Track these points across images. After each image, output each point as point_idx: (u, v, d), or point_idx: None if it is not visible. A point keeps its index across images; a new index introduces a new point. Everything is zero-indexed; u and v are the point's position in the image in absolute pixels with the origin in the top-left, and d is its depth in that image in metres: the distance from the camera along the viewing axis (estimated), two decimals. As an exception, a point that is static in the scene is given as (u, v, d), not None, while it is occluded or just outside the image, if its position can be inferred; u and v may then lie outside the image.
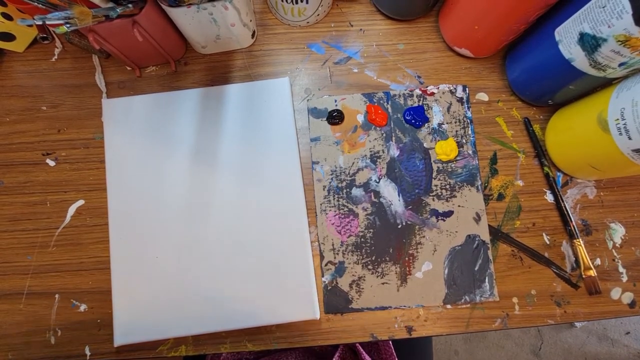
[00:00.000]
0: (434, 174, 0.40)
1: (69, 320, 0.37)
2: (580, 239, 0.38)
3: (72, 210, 0.39)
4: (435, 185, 0.39)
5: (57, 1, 0.29)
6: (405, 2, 0.40)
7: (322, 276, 0.38)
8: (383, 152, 0.40)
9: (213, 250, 0.38)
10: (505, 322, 0.37)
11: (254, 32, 0.42)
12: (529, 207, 0.39)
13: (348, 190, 0.39)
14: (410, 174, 0.40)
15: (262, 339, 0.37)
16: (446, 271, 0.38)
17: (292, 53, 0.43)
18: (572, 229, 0.38)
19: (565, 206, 0.39)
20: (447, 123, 0.40)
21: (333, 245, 0.38)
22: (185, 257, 0.38)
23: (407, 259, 0.38)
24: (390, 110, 0.41)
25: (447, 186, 0.39)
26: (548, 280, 0.38)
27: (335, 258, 0.38)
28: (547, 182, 0.40)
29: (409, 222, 0.39)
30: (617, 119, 0.30)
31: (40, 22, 0.28)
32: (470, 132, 0.40)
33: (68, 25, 0.29)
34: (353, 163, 0.40)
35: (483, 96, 0.42)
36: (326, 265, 0.38)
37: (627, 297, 0.38)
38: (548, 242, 0.39)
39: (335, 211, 0.39)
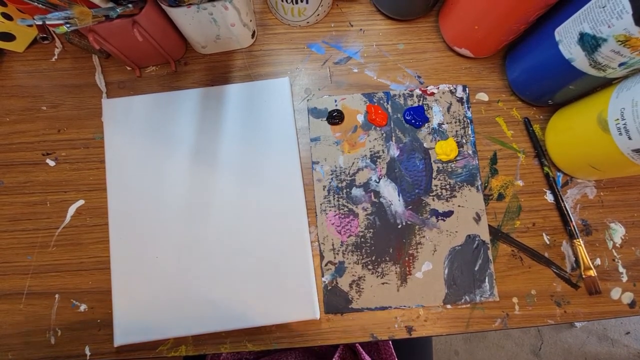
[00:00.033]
0: (434, 174, 0.40)
1: (69, 320, 0.37)
2: (580, 239, 0.38)
3: (72, 210, 0.39)
4: (435, 185, 0.39)
5: (57, 1, 0.29)
6: (405, 2, 0.40)
7: (322, 276, 0.38)
8: (383, 152, 0.40)
9: (213, 250, 0.38)
10: (505, 322, 0.37)
11: (254, 32, 0.42)
12: (529, 207, 0.40)
13: (348, 190, 0.39)
14: (410, 174, 0.40)
15: (262, 339, 0.37)
16: (446, 271, 0.38)
17: (292, 53, 0.43)
18: (572, 229, 0.38)
19: (565, 206, 0.39)
20: (447, 123, 0.40)
21: (333, 245, 0.38)
22: (185, 257, 0.38)
23: (407, 259, 0.38)
24: (390, 110, 0.41)
25: (447, 186, 0.39)
26: (548, 280, 0.38)
27: (335, 258, 0.38)
28: (547, 182, 0.40)
29: (409, 222, 0.39)
30: (617, 119, 0.30)
31: (40, 22, 0.28)
32: (470, 132, 0.40)
33: (68, 25, 0.29)
34: (353, 163, 0.40)
35: (483, 96, 0.42)
36: (326, 265, 0.38)
37: (627, 297, 0.38)
38: (548, 242, 0.39)
39: (335, 211, 0.39)
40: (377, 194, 0.39)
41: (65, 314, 0.37)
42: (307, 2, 0.38)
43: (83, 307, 0.38)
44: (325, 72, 0.42)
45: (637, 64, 0.29)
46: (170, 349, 0.37)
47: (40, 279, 0.38)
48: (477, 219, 0.39)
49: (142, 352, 0.37)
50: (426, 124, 0.40)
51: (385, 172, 0.40)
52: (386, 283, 0.38)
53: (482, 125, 0.41)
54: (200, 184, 0.39)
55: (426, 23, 0.43)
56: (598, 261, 0.39)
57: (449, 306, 0.38)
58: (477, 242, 0.38)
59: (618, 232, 0.39)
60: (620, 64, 0.29)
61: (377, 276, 0.38)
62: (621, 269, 0.38)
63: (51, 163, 0.40)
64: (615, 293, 0.38)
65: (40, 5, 0.30)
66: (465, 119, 0.41)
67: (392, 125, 0.40)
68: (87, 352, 0.37)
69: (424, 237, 0.38)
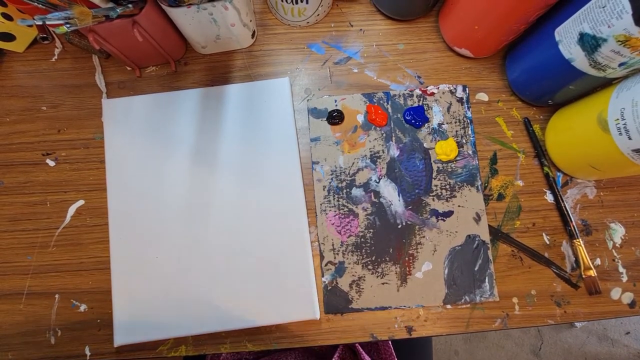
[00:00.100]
0: (434, 174, 0.40)
1: (69, 320, 0.37)
2: (580, 239, 0.38)
3: (72, 210, 0.39)
4: (435, 185, 0.39)
5: (57, 1, 0.29)
6: (405, 2, 0.40)
7: (322, 276, 0.38)
8: (383, 152, 0.40)
9: (213, 250, 0.38)
10: (505, 322, 0.37)
11: (254, 32, 0.42)
12: (529, 207, 0.39)
13: (348, 190, 0.39)
14: (410, 174, 0.40)
15: (262, 339, 0.37)
16: (446, 271, 0.38)
17: (292, 53, 0.43)
18: (572, 229, 0.38)
19: (565, 206, 0.39)
20: (447, 123, 0.40)
21: (333, 245, 0.38)
22: (185, 257, 0.38)
23: (407, 259, 0.38)
24: (390, 110, 0.41)
25: (447, 186, 0.39)
26: (548, 280, 0.38)
27: (335, 258, 0.38)
28: (547, 182, 0.40)
29: (409, 222, 0.39)
30: (617, 119, 0.30)
31: (40, 22, 0.28)
32: (470, 132, 0.40)
33: (68, 26, 0.29)
34: (353, 163, 0.40)
35: (483, 96, 0.42)
36: (326, 265, 0.38)
37: (627, 297, 0.38)
38: (548, 242, 0.39)
39: (335, 211, 0.39)
40: (377, 194, 0.39)
41: (65, 314, 0.37)
42: (307, 2, 0.38)
43: (83, 307, 0.38)
44: (325, 72, 0.42)
45: (637, 64, 0.29)
46: (170, 349, 0.37)
47: (40, 279, 0.38)
48: (477, 219, 0.39)
49: (142, 352, 0.37)
50: (426, 124, 0.40)
51: (385, 172, 0.40)
52: (386, 283, 0.38)
53: (482, 125, 0.41)
54: (200, 184, 0.39)
55: (426, 23, 0.43)
56: (598, 261, 0.39)
57: (449, 306, 0.38)
58: (477, 242, 0.38)
59: (618, 232, 0.39)
60: (620, 64, 0.29)
61: (377, 276, 0.38)
62: (621, 269, 0.38)
63: (51, 163, 0.40)
64: (615, 293, 0.38)
65: (40, 5, 0.30)
66: (465, 119, 0.41)
67: (392, 125, 0.40)
68: (87, 352, 0.37)
69: (424, 237, 0.38)
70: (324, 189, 0.39)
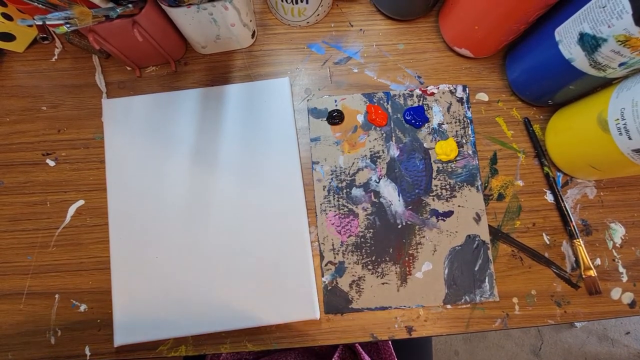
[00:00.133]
0: (434, 174, 0.40)
1: (69, 320, 0.37)
2: (580, 239, 0.38)
3: (72, 210, 0.39)
4: (435, 185, 0.39)
5: (57, 1, 0.29)
6: (405, 2, 0.40)
7: (322, 276, 0.38)
8: (383, 152, 0.40)
9: (213, 250, 0.38)
10: (505, 322, 0.37)
11: (254, 32, 0.42)
12: (529, 207, 0.39)
13: (348, 190, 0.39)
14: (410, 174, 0.40)
15: (262, 339, 0.37)
16: (446, 271, 0.38)
17: (292, 53, 0.43)
18: (572, 229, 0.38)
19: (565, 206, 0.39)
20: (447, 123, 0.40)
21: (333, 245, 0.38)
22: (185, 257, 0.38)
23: (407, 259, 0.38)
24: (390, 110, 0.41)
25: (447, 186, 0.39)
26: (548, 280, 0.38)
27: (335, 258, 0.38)
28: (547, 182, 0.40)
29: (409, 222, 0.39)
30: (617, 119, 0.30)
31: (40, 22, 0.28)
32: (470, 132, 0.40)
33: (68, 26, 0.29)
34: (353, 163, 0.40)
35: (483, 96, 0.42)
36: (326, 265, 0.38)
37: (627, 297, 0.38)
38: (548, 242, 0.39)
39: (335, 211, 0.39)
40: (377, 194, 0.39)
41: (65, 314, 0.37)
42: (307, 2, 0.38)
43: (83, 307, 0.38)
44: (325, 72, 0.42)
45: (637, 64, 0.29)
46: (170, 349, 0.37)
47: (40, 279, 0.38)
48: (477, 219, 0.39)
49: (142, 352, 0.37)
50: (426, 124, 0.40)
51: (385, 172, 0.40)
52: (386, 283, 0.38)
53: (482, 125, 0.41)
54: (200, 184, 0.39)
55: (426, 23, 0.43)
56: (598, 261, 0.39)
57: (449, 306, 0.38)
58: (477, 242, 0.38)
59: (618, 232, 0.39)
60: (620, 64, 0.29)
61: (377, 276, 0.38)
62: (621, 269, 0.38)
63: (51, 163, 0.40)
64: (616, 293, 0.38)
65: (40, 5, 0.30)
66: (465, 119, 0.41)
67: (392, 125, 0.40)
68: (87, 352, 0.37)
69: (424, 237, 0.38)
70: (324, 189, 0.39)
